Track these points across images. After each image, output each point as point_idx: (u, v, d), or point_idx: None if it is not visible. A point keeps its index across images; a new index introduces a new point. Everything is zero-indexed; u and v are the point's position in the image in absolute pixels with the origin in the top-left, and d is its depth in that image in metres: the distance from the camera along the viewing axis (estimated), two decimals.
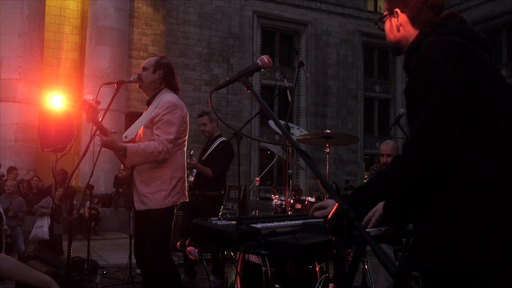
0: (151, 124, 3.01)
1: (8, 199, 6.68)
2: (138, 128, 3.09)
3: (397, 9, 1.65)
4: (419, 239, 1.46)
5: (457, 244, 1.36)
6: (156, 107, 3.03)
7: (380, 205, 1.64)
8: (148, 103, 3.19)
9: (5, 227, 6.28)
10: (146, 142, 2.96)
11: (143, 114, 3.16)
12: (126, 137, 3.02)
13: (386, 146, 4.27)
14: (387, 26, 1.70)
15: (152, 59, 3.23)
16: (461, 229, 1.37)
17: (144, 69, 3.17)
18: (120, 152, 2.89)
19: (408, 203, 1.47)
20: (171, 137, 2.98)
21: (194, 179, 4.63)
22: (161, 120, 2.97)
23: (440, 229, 1.40)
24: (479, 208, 1.36)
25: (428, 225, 1.43)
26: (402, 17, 1.64)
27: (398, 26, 1.66)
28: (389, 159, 4.15)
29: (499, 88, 1.46)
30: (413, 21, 1.63)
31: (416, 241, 1.48)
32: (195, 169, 4.55)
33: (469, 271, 1.36)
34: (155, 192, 3.01)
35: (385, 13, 1.71)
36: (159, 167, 3.02)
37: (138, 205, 3.05)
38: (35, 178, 9.07)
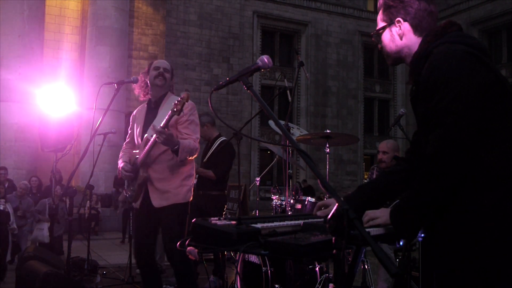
0: (175, 124, 3.11)
1: (19, 199, 6.71)
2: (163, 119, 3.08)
3: (399, 18, 1.66)
4: (443, 241, 1.47)
5: (483, 244, 1.38)
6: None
7: (381, 213, 1.63)
8: (157, 104, 3.25)
9: (12, 225, 6.29)
10: (187, 140, 3.07)
11: (159, 114, 3.17)
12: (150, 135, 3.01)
13: (385, 144, 4.29)
14: (386, 36, 1.72)
15: (167, 64, 3.36)
16: (485, 229, 1.39)
17: (167, 71, 3.28)
18: (175, 147, 2.97)
19: (428, 213, 1.48)
20: (199, 136, 3.19)
21: (197, 180, 4.63)
22: (188, 121, 3.13)
23: (465, 231, 1.42)
24: (502, 207, 1.39)
25: (451, 228, 1.45)
26: (405, 26, 1.66)
27: (401, 35, 1.67)
28: (384, 156, 4.18)
29: (508, 90, 1.51)
30: (416, 28, 1.65)
31: (437, 243, 1.49)
32: (197, 174, 4.56)
33: (496, 269, 1.38)
34: (179, 187, 3.12)
35: (383, 24, 1.73)
36: (180, 165, 3.13)
37: (158, 203, 3.08)
38: (34, 179, 9.07)
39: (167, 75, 3.26)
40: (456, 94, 1.42)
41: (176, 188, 3.10)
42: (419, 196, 1.47)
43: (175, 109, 2.79)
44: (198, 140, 3.17)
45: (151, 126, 2.94)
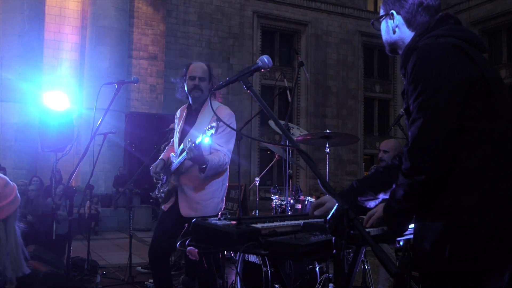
0: None
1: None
2: (200, 135, 2.97)
3: (392, 11, 1.64)
4: (422, 242, 1.45)
5: (459, 246, 1.36)
6: (213, 116, 3.01)
7: (379, 207, 1.64)
8: (197, 111, 3.18)
9: None
10: (217, 154, 2.99)
11: (199, 120, 3.11)
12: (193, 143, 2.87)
13: (385, 143, 4.29)
14: (382, 27, 1.71)
15: (204, 69, 3.16)
16: (464, 231, 1.37)
17: (203, 79, 3.13)
18: (203, 166, 2.89)
19: (409, 207, 1.47)
20: (232, 147, 3.08)
21: None
22: (224, 131, 3.02)
23: (443, 231, 1.40)
24: (480, 209, 1.37)
25: (430, 227, 1.43)
26: (398, 19, 1.64)
27: (394, 27, 1.65)
28: (385, 155, 4.18)
29: (497, 88, 1.45)
30: (409, 23, 1.62)
31: (418, 243, 1.48)
32: None
33: (471, 272, 1.36)
34: (210, 199, 3.05)
35: (381, 14, 1.72)
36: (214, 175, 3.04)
37: (187, 212, 3.03)
38: (35, 178, 9.06)
39: (204, 85, 3.11)
40: (435, 88, 1.39)
41: (206, 200, 3.04)
42: (399, 191, 1.47)
43: (204, 135, 2.69)
44: (231, 151, 3.09)
45: (188, 139, 2.85)
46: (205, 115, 3.11)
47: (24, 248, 1.68)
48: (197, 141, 2.78)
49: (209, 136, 2.69)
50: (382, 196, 1.78)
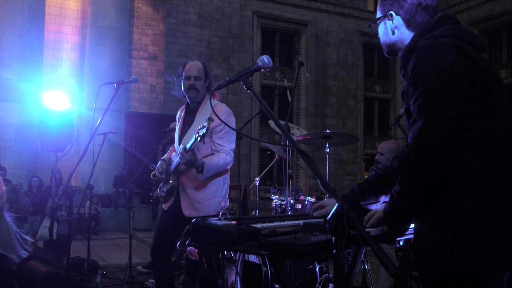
0: (210, 133, 2.99)
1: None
2: (193, 136, 2.97)
3: (391, 12, 1.64)
4: (422, 242, 1.45)
5: (459, 247, 1.36)
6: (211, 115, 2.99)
7: (379, 207, 1.64)
8: (194, 110, 3.17)
9: None
10: (217, 155, 2.98)
11: (197, 120, 3.10)
12: (185, 147, 2.87)
13: (382, 145, 4.27)
14: (381, 28, 1.70)
15: (200, 67, 3.14)
16: (464, 231, 1.37)
17: (199, 78, 3.10)
18: (199, 168, 2.89)
19: (410, 207, 1.47)
20: (234, 146, 3.05)
21: None
22: (223, 130, 2.99)
23: (443, 232, 1.40)
24: (480, 210, 1.37)
25: (430, 228, 1.43)
26: (397, 20, 1.64)
27: (393, 28, 1.65)
28: (381, 157, 4.17)
29: (496, 88, 1.45)
30: (408, 23, 1.62)
31: (419, 243, 1.48)
32: None
33: (470, 273, 1.36)
34: (211, 199, 3.04)
35: (380, 15, 1.71)
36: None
37: (188, 212, 3.02)
38: (35, 178, 9.07)
39: (199, 84, 3.08)
40: (436, 88, 1.38)
41: (208, 199, 3.03)
42: (400, 191, 1.46)
43: (197, 135, 2.67)
44: (233, 150, 3.05)
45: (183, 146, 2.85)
46: (203, 114, 3.10)
47: (23, 234, 1.76)
48: (188, 145, 2.78)
49: (201, 136, 2.66)
50: (383, 198, 1.78)
